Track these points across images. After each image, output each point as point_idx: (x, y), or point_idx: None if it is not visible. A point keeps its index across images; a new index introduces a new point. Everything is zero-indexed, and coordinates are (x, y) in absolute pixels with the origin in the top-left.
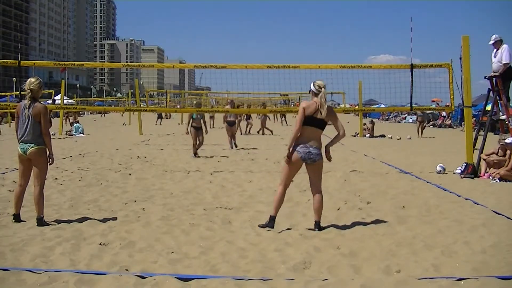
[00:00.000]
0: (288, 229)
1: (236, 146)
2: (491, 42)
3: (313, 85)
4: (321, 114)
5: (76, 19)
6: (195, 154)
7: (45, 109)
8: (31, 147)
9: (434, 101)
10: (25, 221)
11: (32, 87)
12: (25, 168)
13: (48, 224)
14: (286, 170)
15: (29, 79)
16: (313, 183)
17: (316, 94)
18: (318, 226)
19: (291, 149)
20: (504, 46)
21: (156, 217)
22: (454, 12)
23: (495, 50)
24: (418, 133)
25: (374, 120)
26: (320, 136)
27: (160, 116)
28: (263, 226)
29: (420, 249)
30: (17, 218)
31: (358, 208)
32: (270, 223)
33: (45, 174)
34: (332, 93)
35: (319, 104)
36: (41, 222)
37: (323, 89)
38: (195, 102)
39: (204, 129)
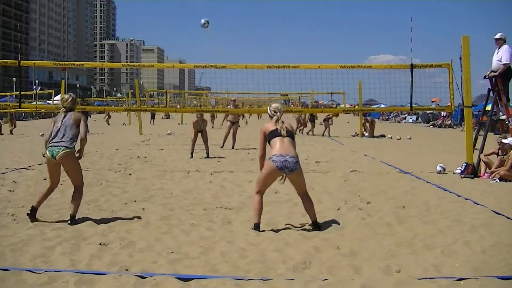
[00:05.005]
0: (288, 229)
1: (232, 147)
2: (495, 37)
3: (269, 108)
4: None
5: (76, 19)
6: (192, 153)
7: (83, 115)
8: (61, 151)
9: (434, 101)
10: (28, 220)
11: (65, 105)
12: (52, 172)
13: (80, 222)
14: (261, 181)
15: (62, 97)
16: (299, 191)
17: (271, 117)
18: (317, 225)
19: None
20: (505, 47)
21: (156, 217)
22: (454, 12)
23: (497, 47)
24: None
25: (374, 119)
26: (294, 144)
27: (153, 116)
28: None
29: (420, 249)
30: (32, 211)
31: (358, 208)
32: (256, 229)
33: (79, 174)
34: (332, 93)
35: (279, 127)
36: (73, 220)
37: (278, 113)
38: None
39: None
